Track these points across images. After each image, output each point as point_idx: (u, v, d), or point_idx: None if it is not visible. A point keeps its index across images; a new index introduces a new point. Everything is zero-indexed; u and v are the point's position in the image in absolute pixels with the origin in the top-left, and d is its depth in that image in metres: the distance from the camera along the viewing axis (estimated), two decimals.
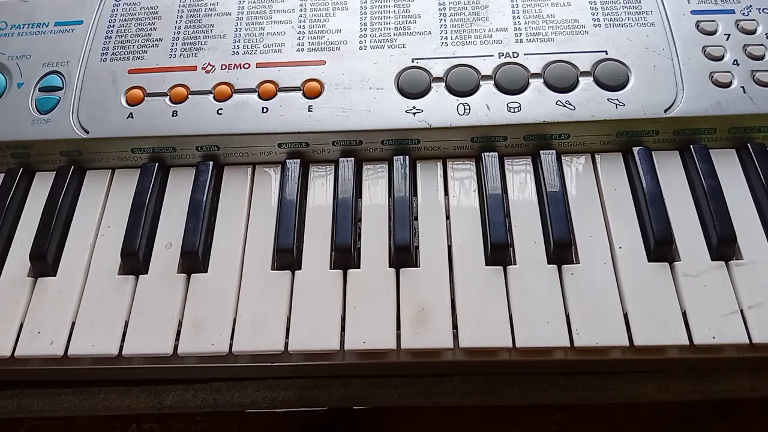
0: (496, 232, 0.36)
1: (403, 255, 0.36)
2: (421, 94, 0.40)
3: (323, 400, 0.35)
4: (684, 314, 0.33)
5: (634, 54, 0.41)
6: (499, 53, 0.41)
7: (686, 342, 0.32)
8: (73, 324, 0.35)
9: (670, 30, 0.42)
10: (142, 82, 0.42)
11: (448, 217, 0.38)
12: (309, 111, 0.40)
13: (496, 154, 0.39)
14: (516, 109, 0.39)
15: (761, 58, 0.40)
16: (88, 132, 0.40)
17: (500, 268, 0.35)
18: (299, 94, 0.41)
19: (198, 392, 0.36)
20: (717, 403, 0.36)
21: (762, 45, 0.41)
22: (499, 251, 0.35)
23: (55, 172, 0.41)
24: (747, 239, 0.36)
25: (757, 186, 0.37)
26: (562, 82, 0.40)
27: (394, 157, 0.40)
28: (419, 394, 0.35)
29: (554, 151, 0.39)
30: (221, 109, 0.40)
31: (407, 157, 0.39)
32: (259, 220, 0.38)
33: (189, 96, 0.41)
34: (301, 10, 0.44)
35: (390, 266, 0.36)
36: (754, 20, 0.42)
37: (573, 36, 0.42)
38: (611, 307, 0.34)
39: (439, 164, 0.40)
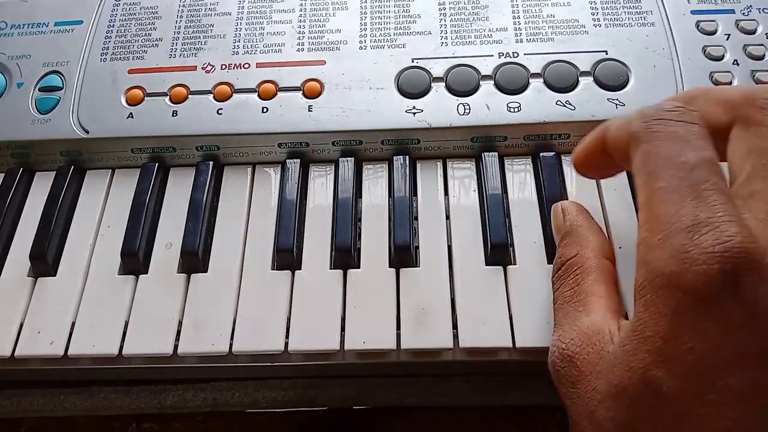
0: (496, 232, 0.36)
1: (403, 255, 0.36)
2: (421, 94, 0.40)
3: (323, 400, 0.35)
4: None
5: (634, 54, 0.41)
6: (499, 53, 0.41)
7: None
8: (73, 324, 0.35)
9: (670, 30, 0.42)
10: (142, 82, 0.42)
11: (448, 217, 0.38)
12: (309, 111, 0.40)
13: (496, 154, 0.39)
14: (516, 109, 0.39)
15: (761, 58, 0.40)
16: (88, 132, 0.40)
17: (500, 268, 0.35)
18: (299, 94, 0.41)
19: (198, 392, 0.36)
20: None
21: (762, 45, 0.41)
22: (499, 251, 0.35)
23: (55, 172, 0.41)
24: None
25: None
26: (562, 82, 0.40)
27: (394, 157, 0.40)
28: (419, 394, 0.35)
29: (554, 151, 0.39)
30: (221, 109, 0.41)
31: (407, 157, 0.39)
32: (259, 220, 0.38)
33: (189, 96, 0.41)
34: (301, 10, 0.44)
35: (390, 266, 0.36)
36: (754, 20, 0.42)
37: (573, 36, 0.42)
38: None
39: (439, 164, 0.40)
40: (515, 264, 0.36)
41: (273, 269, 0.36)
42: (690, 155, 0.24)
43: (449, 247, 0.36)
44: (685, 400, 0.22)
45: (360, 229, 0.38)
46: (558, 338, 0.28)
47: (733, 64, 0.40)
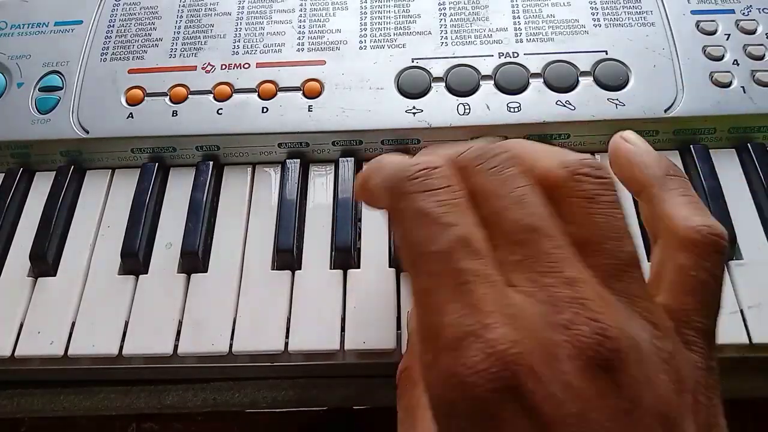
0: None
1: None
2: (421, 94, 0.40)
3: (323, 400, 0.35)
4: None
5: (634, 54, 0.41)
6: (499, 53, 0.41)
7: None
8: (73, 324, 0.35)
9: (670, 30, 0.42)
10: (142, 82, 0.42)
11: None
12: (309, 111, 0.40)
13: None
14: (516, 109, 0.39)
15: (761, 58, 0.40)
16: (88, 132, 0.40)
17: None
18: (299, 94, 0.41)
19: (198, 392, 0.36)
20: None
21: (762, 45, 0.41)
22: None
23: (55, 172, 0.41)
24: (747, 239, 0.36)
25: (757, 186, 0.37)
26: (562, 82, 0.40)
27: None
28: None
29: None
30: (221, 109, 0.40)
31: None
32: (259, 220, 0.38)
33: (189, 96, 0.41)
34: (301, 10, 0.44)
35: (390, 266, 0.36)
36: (754, 20, 0.42)
37: (573, 36, 0.42)
38: None
39: None
40: None
41: (273, 269, 0.36)
42: (440, 240, 0.20)
43: None
44: None
45: (360, 229, 0.38)
46: None
47: (733, 64, 0.40)
